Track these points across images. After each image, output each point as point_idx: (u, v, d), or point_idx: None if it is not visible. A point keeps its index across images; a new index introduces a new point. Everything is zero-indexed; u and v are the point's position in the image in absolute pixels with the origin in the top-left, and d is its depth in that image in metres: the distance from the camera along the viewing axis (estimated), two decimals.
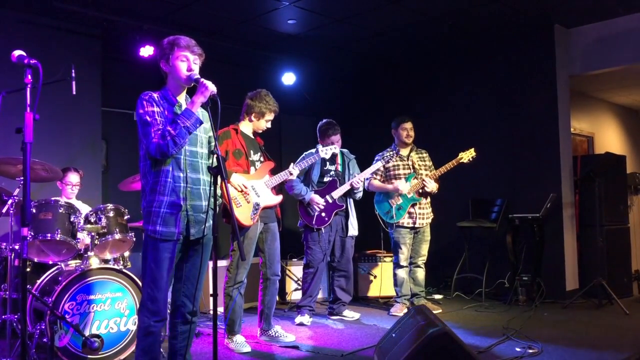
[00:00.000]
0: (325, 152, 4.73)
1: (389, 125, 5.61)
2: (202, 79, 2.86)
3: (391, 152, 5.44)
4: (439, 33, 6.42)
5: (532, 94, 6.41)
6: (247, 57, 7.10)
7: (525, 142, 6.42)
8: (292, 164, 4.58)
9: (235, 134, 4.26)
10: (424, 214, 5.46)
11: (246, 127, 4.36)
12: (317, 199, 5.05)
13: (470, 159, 5.33)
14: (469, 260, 6.55)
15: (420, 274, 5.54)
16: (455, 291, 6.43)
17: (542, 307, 5.65)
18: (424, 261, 5.54)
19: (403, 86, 7.57)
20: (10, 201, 3.78)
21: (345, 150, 5.38)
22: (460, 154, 5.33)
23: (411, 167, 5.48)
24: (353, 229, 5.28)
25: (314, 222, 5.05)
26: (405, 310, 5.18)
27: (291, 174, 4.41)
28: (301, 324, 5.00)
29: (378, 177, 5.49)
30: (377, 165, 5.31)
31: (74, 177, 4.81)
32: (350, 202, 5.29)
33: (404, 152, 5.55)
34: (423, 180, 5.32)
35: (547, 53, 6.29)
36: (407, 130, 5.50)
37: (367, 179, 5.42)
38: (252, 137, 4.40)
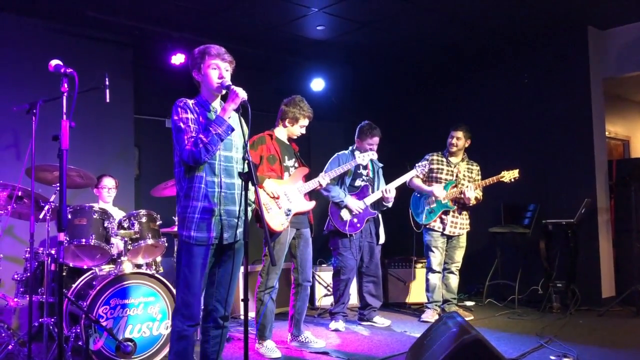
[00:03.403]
0: (362, 158, 4.72)
1: (419, 131, 5.59)
2: (232, 86, 2.89)
3: (436, 158, 5.40)
4: (468, 37, 6.36)
5: (565, 97, 6.29)
6: (276, 64, 7.14)
7: (558, 145, 6.31)
8: (321, 173, 4.58)
9: (270, 140, 4.29)
10: (458, 223, 5.39)
11: (281, 132, 4.39)
12: (358, 203, 5.01)
13: (512, 180, 5.20)
14: (502, 267, 6.44)
15: (454, 280, 5.48)
16: (488, 298, 6.32)
17: (577, 315, 5.52)
18: (458, 268, 5.48)
19: (432, 91, 7.50)
20: (46, 207, 3.87)
21: (374, 158, 5.35)
22: (503, 172, 5.22)
23: (455, 175, 5.42)
24: (381, 237, 5.26)
25: (346, 228, 5.01)
26: (436, 317, 5.13)
27: (320, 184, 4.42)
28: (336, 330, 5.00)
29: (420, 176, 5.44)
30: (410, 174, 5.20)
31: (109, 181, 4.91)
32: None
33: (454, 159, 5.48)
34: (462, 190, 5.25)
35: (581, 55, 6.18)
36: (453, 138, 5.41)
37: None
38: (287, 143, 4.42)
